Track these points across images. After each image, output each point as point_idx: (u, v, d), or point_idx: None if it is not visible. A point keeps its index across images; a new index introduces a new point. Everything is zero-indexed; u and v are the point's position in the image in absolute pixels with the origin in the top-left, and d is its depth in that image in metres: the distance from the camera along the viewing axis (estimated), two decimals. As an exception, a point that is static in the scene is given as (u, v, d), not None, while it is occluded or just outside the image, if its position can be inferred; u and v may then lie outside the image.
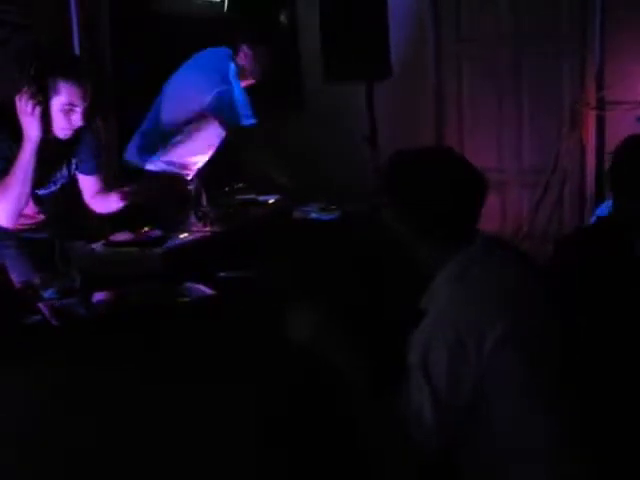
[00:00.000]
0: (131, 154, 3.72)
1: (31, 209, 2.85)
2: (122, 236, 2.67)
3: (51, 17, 4.03)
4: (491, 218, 5.36)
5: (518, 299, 1.64)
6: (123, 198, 2.99)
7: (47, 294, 2.32)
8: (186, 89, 3.58)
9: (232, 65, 3.59)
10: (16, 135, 2.60)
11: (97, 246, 2.58)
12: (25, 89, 2.55)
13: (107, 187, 3.01)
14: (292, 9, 5.71)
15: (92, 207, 3.02)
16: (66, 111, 2.63)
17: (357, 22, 4.11)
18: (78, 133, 2.77)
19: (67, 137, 2.73)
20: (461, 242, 1.71)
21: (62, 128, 2.68)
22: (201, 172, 3.74)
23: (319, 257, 2.65)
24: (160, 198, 3.22)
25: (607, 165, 3.30)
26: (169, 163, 3.62)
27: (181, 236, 2.66)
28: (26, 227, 2.88)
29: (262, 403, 1.57)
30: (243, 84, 3.64)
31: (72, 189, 2.98)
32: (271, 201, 3.32)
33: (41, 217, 2.93)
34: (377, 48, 4.14)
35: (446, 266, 1.67)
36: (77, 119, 2.66)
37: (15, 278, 2.78)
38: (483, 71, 5.34)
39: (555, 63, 5.19)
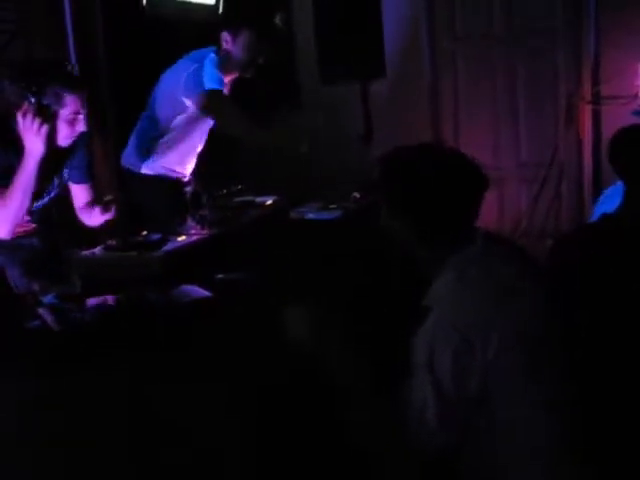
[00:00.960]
0: (127, 158, 3.73)
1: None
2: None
3: (45, 24, 4.05)
4: (489, 214, 5.37)
5: (518, 298, 1.62)
6: (105, 210, 2.93)
7: (47, 299, 2.34)
8: (171, 86, 3.56)
9: (212, 54, 3.50)
10: (14, 145, 2.59)
11: (97, 250, 2.59)
12: (28, 106, 2.52)
13: (97, 198, 2.98)
14: (287, 11, 5.72)
15: (81, 219, 3.01)
16: (71, 120, 2.63)
17: (352, 23, 4.14)
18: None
19: (68, 145, 2.74)
20: (461, 240, 1.69)
21: (65, 137, 2.68)
22: (199, 174, 3.75)
23: (318, 256, 2.66)
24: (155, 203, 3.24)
25: (605, 159, 3.35)
26: (163, 165, 3.62)
27: (179, 239, 2.67)
28: (16, 234, 2.82)
29: (255, 404, 1.59)
30: (227, 78, 3.59)
31: (64, 200, 2.98)
32: (268, 202, 3.33)
33: (31, 225, 2.90)
34: (372, 49, 4.17)
35: (446, 265, 1.65)
36: (80, 126, 2.67)
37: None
38: (478, 68, 5.36)
39: (550, 58, 5.21)
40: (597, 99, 5.06)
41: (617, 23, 4.94)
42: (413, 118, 5.42)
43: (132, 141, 3.72)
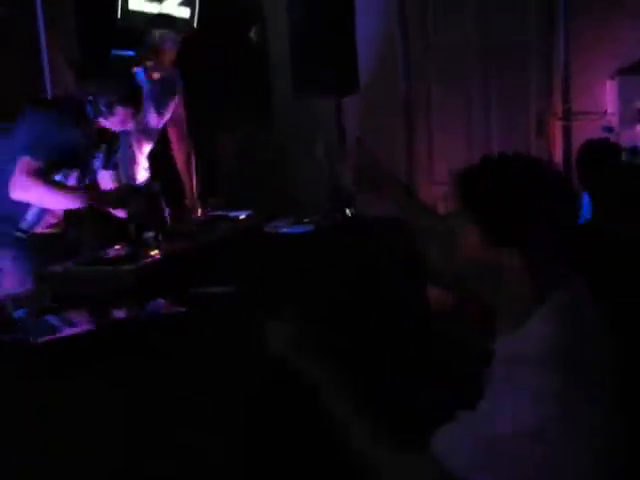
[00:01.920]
0: None
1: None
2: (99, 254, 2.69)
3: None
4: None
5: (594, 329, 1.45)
6: None
7: (18, 314, 2.31)
8: None
9: None
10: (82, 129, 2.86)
11: (68, 264, 2.57)
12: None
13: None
14: (262, 25, 5.75)
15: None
16: (121, 121, 2.93)
17: (325, 37, 4.15)
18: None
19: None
20: (561, 278, 1.44)
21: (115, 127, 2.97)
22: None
23: (293, 269, 2.66)
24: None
25: (575, 174, 3.41)
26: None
27: (152, 253, 2.65)
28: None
29: (237, 413, 1.58)
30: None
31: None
32: (242, 217, 3.33)
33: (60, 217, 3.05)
34: (345, 63, 4.18)
35: (537, 312, 1.39)
36: (130, 126, 3.02)
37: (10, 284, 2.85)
38: (451, 81, 5.42)
39: (523, 73, 5.29)
40: (568, 115, 5.13)
41: (587, 42, 5.03)
42: (387, 131, 5.46)
43: None
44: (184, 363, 1.84)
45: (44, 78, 4.04)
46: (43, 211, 2.93)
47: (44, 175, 2.75)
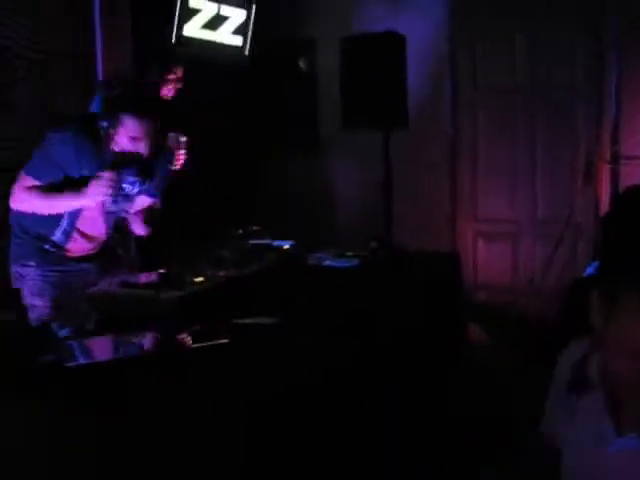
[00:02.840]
0: None
1: (93, 227, 2.96)
2: (143, 277, 2.69)
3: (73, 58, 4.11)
4: (503, 269, 5.37)
5: None
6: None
7: (62, 333, 2.33)
8: None
9: None
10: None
11: (113, 287, 2.58)
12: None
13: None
14: (312, 55, 5.79)
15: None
16: (131, 138, 2.74)
17: (376, 71, 4.16)
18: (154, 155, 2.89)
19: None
20: None
21: (121, 148, 2.78)
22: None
23: (336, 304, 2.65)
24: None
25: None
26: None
27: (196, 279, 2.65)
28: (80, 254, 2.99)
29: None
30: None
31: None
32: (286, 247, 3.32)
33: (94, 245, 3.02)
34: (395, 97, 4.19)
35: None
36: (143, 149, 2.77)
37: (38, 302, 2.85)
38: (498, 121, 5.39)
39: (570, 114, 5.22)
40: (616, 159, 5.06)
41: (637, 84, 4.97)
42: (432, 167, 5.45)
43: None
44: (221, 395, 1.82)
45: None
46: (70, 231, 2.91)
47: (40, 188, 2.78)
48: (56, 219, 2.86)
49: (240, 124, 5.52)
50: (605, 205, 5.04)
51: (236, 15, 5.35)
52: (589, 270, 2.92)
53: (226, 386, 1.88)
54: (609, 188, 5.10)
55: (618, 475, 1.30)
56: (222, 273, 2.75)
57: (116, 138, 2.74)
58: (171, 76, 3.82)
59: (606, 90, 5.09)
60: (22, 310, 2.87)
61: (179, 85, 3.89)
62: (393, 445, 1.84)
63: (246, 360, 2.07)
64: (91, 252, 3.02)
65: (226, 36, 5.30)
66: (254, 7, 5.42)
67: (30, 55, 3.89)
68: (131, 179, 2.91)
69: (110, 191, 2.73)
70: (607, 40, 4.95)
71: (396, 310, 2.74)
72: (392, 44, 4.20)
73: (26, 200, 2.80)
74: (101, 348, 2.23)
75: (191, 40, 4.85)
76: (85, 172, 2.76)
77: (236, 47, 5.40)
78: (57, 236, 2.89)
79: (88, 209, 2.87)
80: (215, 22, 5.14)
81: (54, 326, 2.37)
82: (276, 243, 3.34)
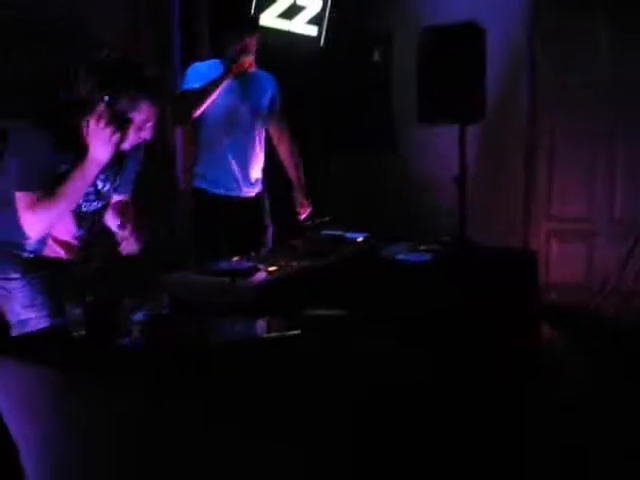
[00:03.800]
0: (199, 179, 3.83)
1: (66, 231, 2.66)
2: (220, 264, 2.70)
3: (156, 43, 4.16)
4: (577, 268, 5.24)
5: None
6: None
7: (137, 317, 2.34)
8: None
9: None
10: (67, 145, 2.44)
11: (189, 273, 2.59)
12: (102, 109, 2.38)
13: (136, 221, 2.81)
14: (387, 47, 5.73)
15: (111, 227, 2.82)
16: (139, 127, 2.50)
17: (454, 63, 4.10)
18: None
19: (125, 150, 2.59)
20: None
21: (128, 142, 2.53)
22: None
23: (408, 298, 2.61)
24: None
25: None
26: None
27: (270, 269, 2.64)
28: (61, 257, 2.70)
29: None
30: None
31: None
32: (360, 239, 3.29)
33: (75, 245, 2.72)
34: (473, 91, 4.11)
35: None
36: (147, 134, 2.54)
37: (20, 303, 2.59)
38: (578, 117, 5.24)
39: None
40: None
41: None
42: (507, 163, 5.34)
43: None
44: (290, 385, 1.80)
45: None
46: (44, 236, 2.59)
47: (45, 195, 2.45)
48: None
49: (313, 116, 5.51)
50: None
51: (312, 5, 5.35)
52: None
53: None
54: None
55: None
56: (296, 263, 2.73)
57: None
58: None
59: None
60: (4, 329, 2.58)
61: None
62: (474, 444, 1.80)
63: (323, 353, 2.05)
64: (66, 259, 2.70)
65: (301, 26, 5.30)
66: (330, -3, 5.41)
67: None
68: (102, 176, 2.61)
69: (116, 138, 2.40)
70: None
71: (469, 306, 2.68)
72: (472, 36, 4.13)
73: (42, 218, 2.46)
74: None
75: (267, 29, 4.85)
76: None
77: (311, 37, 5.40)
78: (31, 242, 2.59)
79: None
80: (291, 11, 5.15)
81: (128, 309, 2.36)
82: (349, 235, 3.32)
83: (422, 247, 3.35)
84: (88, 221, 2.73)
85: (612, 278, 5.09)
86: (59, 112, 2.52)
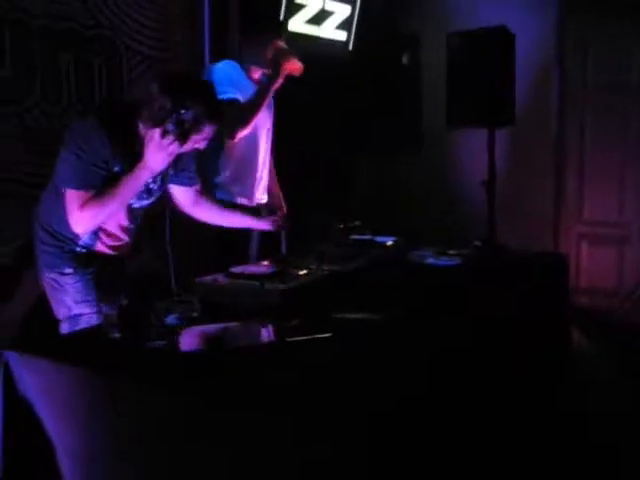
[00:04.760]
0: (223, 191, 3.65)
1: (118, 226, 2.76)
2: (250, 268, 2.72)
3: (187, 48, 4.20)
4: (607, 273, 5.20)
5: None
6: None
7: (169, 320, 2.37)
8: None
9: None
10: (124, 149, 2.51)
11: (219, 277, 2.62)
12: (171, 127, 2.42)
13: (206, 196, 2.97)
14: (416, 51, 5.74)
15: (195, 216, 2.92)
16: (197, 142, 2.54)
17: (483, 67, 4.08)
18: None
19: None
20: None
21: (183, 149, 2.56)
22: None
23: (439, 303, 2.61)
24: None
25: None
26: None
27: (300, 273, 2.66)
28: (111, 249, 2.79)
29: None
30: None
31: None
32: (389, 243, 3.30)
33: (125, 240, 2.82)
34: (502, 95, 4.10)
35: None
36: (201, 145, 2.59)
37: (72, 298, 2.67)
38: (608, 122, 5.21)
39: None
40: None
41: None
42: (537, 167, 5.32)
43: None
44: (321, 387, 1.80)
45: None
46: (96, 230, 2.69)
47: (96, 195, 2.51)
48: None
49: (342, 120, 5.52)
50: None
51: (341, 10, 5.37)
52: None
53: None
54: None
55: None
56: (326, 267, 2.74)
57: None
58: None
59: None
60: (50, 324, 2.66)
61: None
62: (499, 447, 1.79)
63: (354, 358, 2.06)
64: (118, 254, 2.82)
65: (330, 31, 5.33)
66: (358, 2, 5.42)
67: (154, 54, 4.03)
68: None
69: (173, 151, 2.47)
70: None
71: (499, 310, 2.68)
72: (501, 41, 4.11)
73: (90, 216, 2.52)
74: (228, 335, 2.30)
75: (296, 35, 4.88)
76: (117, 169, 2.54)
77: (340, 42, 5.42)
78: (85, 237, 2.69)
79: None
80: (320, 17, 5.17)
81: (161, 312, 2.39)
82: (378, 239, 3.33)
83: (451, 251, 3.35)
84: (138, 217, 2.83)
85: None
86: (121, 116, 2.57)
